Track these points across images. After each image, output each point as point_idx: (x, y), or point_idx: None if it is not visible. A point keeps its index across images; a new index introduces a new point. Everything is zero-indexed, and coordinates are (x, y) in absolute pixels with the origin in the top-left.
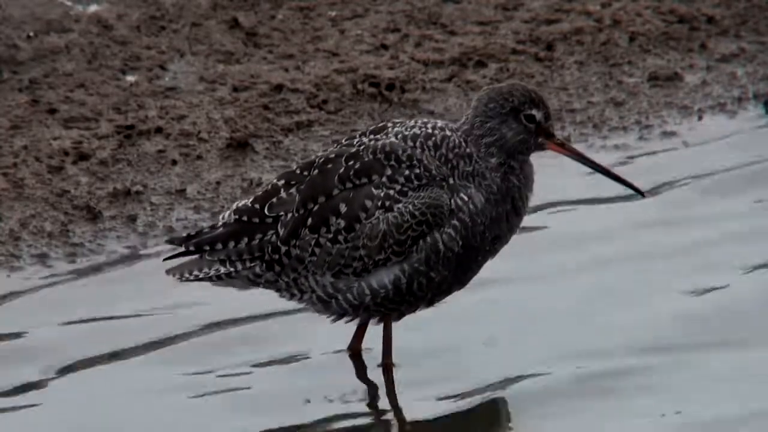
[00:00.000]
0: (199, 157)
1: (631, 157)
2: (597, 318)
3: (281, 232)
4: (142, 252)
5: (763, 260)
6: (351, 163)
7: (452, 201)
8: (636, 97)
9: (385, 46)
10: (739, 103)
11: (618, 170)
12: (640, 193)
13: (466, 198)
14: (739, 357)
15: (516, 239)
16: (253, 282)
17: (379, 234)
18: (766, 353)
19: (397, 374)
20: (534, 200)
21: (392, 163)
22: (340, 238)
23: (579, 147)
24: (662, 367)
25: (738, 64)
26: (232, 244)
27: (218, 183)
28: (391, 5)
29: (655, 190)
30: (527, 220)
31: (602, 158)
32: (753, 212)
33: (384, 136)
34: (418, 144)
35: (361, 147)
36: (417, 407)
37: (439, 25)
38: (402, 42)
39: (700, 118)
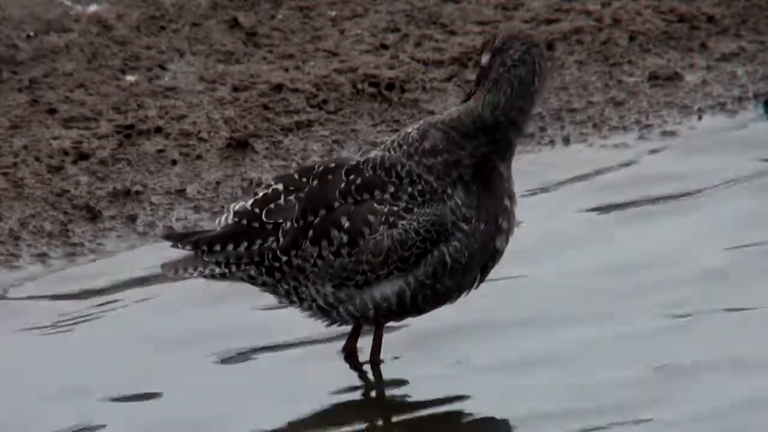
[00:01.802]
0: (198, 157)
1: (631, 157)
2: (596, 319)
3: (281, 241)
4: (141, 252)
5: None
6: (352, 177)
7: (452, 211)
8: (636, 96)
9: (384, 46)
10: (739, 103)
11: (618, 169)
12: None
13: (459, 201)
14: None
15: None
16: (250, 283)
17: (384, 250)
18: None
19: (385, 371)
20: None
21: (393, 179)
22: (343, 252)
23: (579, 147)
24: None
25: (738, 63)
26: (231, 246)
27: (218, 183)
28: (391, 5)
29: (655, 190)
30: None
31: (602, 158)
32: (752, 212)
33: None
34: (401, 151)
35: (361, 160)
36: (404, 404)
37: (439, 25)
38: (402, 42)
39: (700, 117)
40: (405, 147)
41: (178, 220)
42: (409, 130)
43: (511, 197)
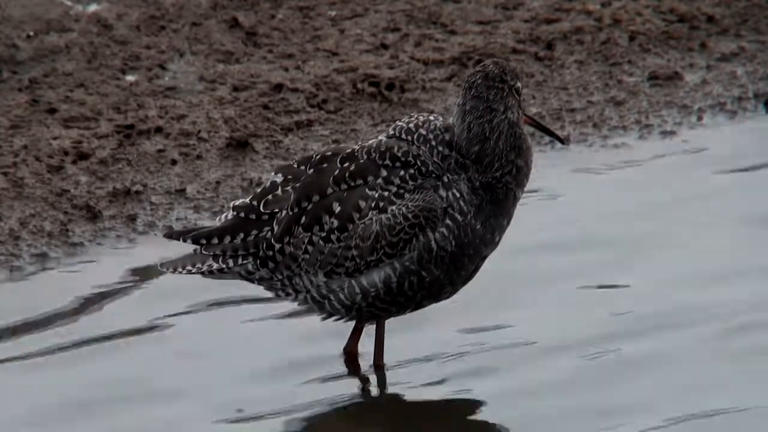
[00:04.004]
0: (198, 157)
1: (631, 157)
2: (596, 313)
3: (275, 229)
4: (141, 251)
5: (763, 261)
6: (346, 165)
7: (445, 198)
8: (636, 96)
9: (384, 46)
10: (739, 103)
11: (619, 170)
12: (560, 141)
13: (458, 194)
14: None
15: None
16: (247, 279)
17: (372, 235)
18: None
19: (389, 374)
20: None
21: (387, 162)
22: (333, 237)
23: (579, 147)
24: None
25: (738, 63)
26: (228, 239)
27: (218, 183)
28: (391, 5)
29: (654, 189)
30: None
31: (602, 157)
32: (752, 212)
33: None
34: (409, 136)
35: (357, 147)
36: (408, 407)
37: (439, 25)
38: (402, 41)
39: (699, 117)
40: (423, 131)
41: (177, 219)
42: (431, 117)
43: (509, 218)
